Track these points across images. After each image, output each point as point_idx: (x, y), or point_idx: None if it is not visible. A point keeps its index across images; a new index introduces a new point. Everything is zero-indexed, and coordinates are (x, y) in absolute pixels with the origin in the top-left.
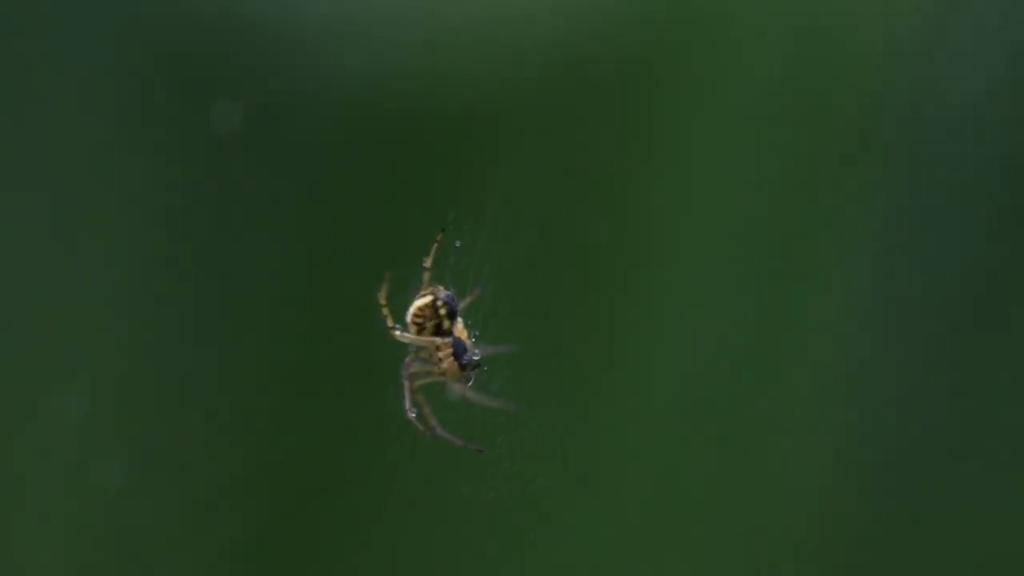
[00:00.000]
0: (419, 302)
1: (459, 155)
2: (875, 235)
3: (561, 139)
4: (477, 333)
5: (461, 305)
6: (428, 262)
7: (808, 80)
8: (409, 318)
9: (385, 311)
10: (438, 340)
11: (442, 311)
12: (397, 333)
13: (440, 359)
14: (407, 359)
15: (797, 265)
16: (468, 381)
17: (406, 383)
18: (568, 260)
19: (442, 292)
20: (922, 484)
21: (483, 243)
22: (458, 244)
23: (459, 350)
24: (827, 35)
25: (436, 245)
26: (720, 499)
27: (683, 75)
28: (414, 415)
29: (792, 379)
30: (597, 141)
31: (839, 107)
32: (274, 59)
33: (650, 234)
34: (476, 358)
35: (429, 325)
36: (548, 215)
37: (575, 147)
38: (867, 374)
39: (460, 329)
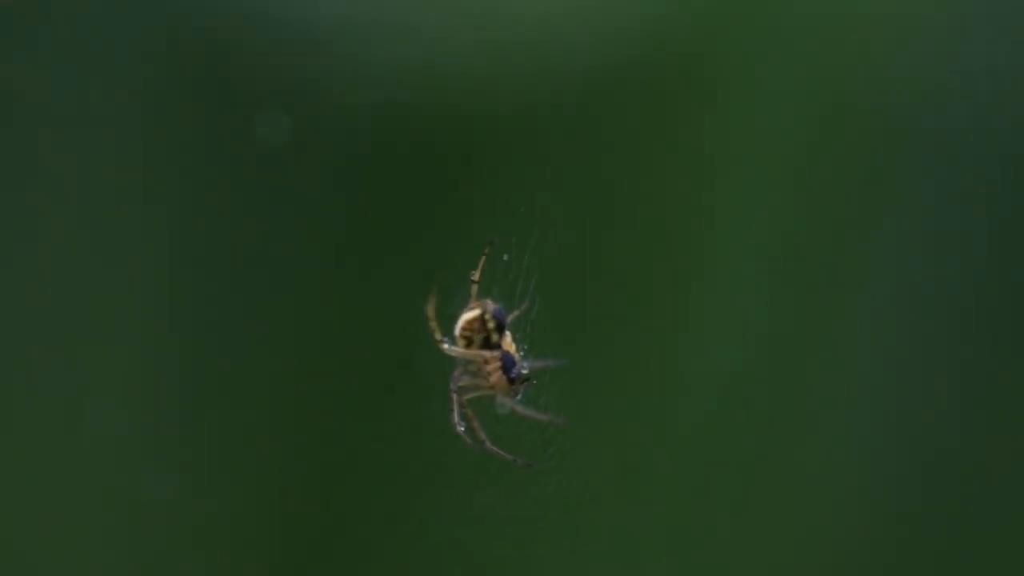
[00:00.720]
0: (467, 315)
1: (499, 163)
2: (907, 242)
3: (596, 147)
4: (525, 347)
5: (509, 318)
6: (476, 275)
7: (836, 86)
8: (457, 331)
9: (433, 324)
10: (486, 354)
11: (490, 325)
12: (445, 346)
13: (488, 373)
14: (455, 372)
15: (830, 272)
16: (516, 395)
17: (454, 397)
18: (604, 269)
19: (491, 305)
20: (958, 492)
21: (529, 256)
22: (505, 258)
23: (508, 364)
24: (854, 39)
25: (483, 258)
26: (757, 506)
27: (714, 83)
28: (463, 429)
29: (826, 387)
30: (631, 149)
31: (868, 113)
32: (316, 67)
33: (684, 242)
34: (525, 372)
35: (477, 339)
36: (584, 225)
37: (611, 155)
38: (902, 382)
39: (508, 343)
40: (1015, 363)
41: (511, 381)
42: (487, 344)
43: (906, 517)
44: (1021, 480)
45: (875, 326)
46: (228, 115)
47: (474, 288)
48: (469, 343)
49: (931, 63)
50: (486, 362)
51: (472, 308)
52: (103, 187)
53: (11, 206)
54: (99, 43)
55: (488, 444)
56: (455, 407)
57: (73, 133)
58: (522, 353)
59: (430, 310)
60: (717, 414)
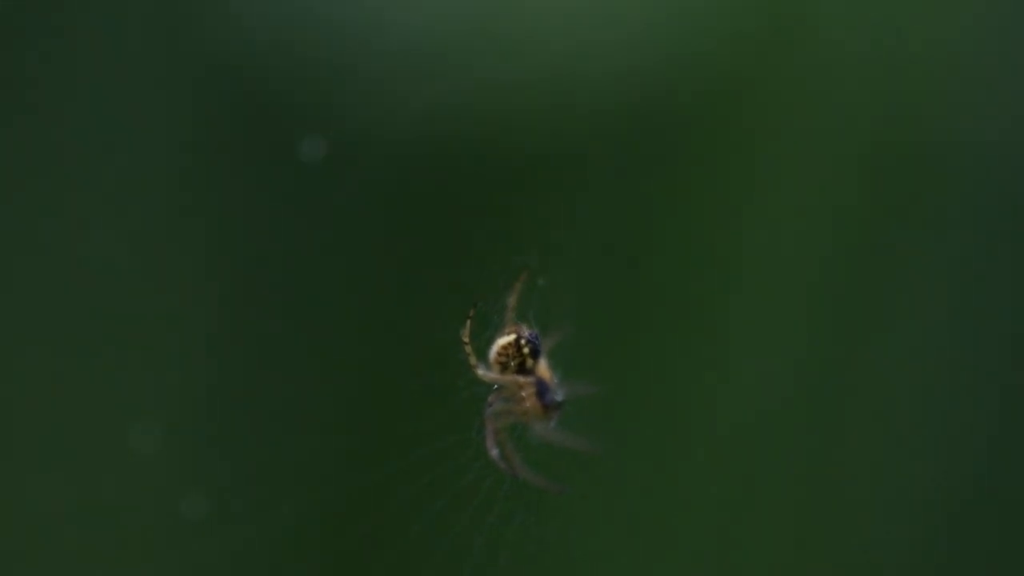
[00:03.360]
0: (503, 341)
1: (537, 191)
2: (946, 270)
3: (633, 177)
4: (560, 373)
5: (545, 345)
6: (512, 301)
7: (877, 115)
8: (492, 357)
9: (468, 349)
10: (521, 379)
11: (525, 350)
12: (480, 371)
13: (523, 398)
14: (490, 398)
15: (866, 303)
16: (551, 421)
17: (488, 422)
18: (640, 298)
19: (526, 331)
20: (994, 513)
21: (564, 282)
22: (542, 283)
23: (542, 390)
24: (896, 69)
25: (519, 284)
26: (794, 528)
27: (753, 112)
28: (496, 454)
29: (862, 415)
30: (668, 181)
31: (907, 143)
32: (357, 94)
33: (722, 268)
34: (559, 399)
35: (512, 364)
36: (620, 251)
37: (647, 186)
38: (938, 407)
39: (543, 368)
40: None
41: (546, 407)
42: (522, 370)
43: (938, 531)
44: None
45: (914, 353)
46: (270, 138)
47: (509, 314)
48: (504, 368)
49: (971, 102)
50: (520, 387)
51: (507, 333)
52: (147, 208)
53: (55, 225)
54: (148, 70)
55: (522, 470)
56: (489, 432)
57: (122, 157)
58: (557, 379)
59: (465, 335)
60: (752, 440)
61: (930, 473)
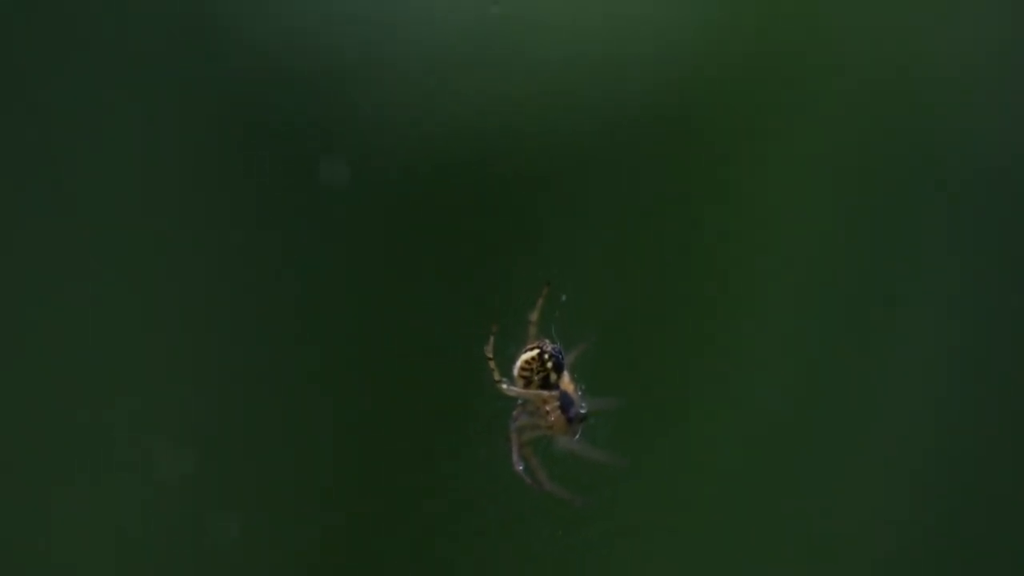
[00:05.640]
0: (526, 355)
1: (558, 205)
2: (951, 274)
3: (647, 186)
4: (584, 387)
5: (568, 359)
6: (534, 315)
7: (879, 121)
8: (516, 371)
9: (492, 364)
10: (545, 393)
11: (549, 364)
12: (504, 387)
13: (547, 412)
14: (514, 412)
15: (874, 303)
16: (575, 434)
17: (513, 437)
18: (657, 308)
19: (549, 345)
20: (1008, 526)
21: (583, 296)
22: (564, 298)
23: (566, 403)
24: (898, 74)
25: (541, 299)
26: (807, 536)
27: (755, 116)
28: (521, 468)
29: (872, 419)
30: (676, 183)
31: (913, 145)
32: (368, 109)
33: (728, 275)
34: (583, 412)
35: (536, 378)
36: (639, 261)
37: (656, 192)
38: (947, 410)
39: (567, 382)
40: None
41: (570, 421)
42: (546, 384)
43: (950, 553)
44: None
45: (921, 358)
46: (277, 153)
47: (532, 328)
48: (528, 383)
49: (979, 100)
50: (544, 402)
51: (530, 348)
52: (159, 226)
53: (68, 240)
54: (159, 85)
55: (547, 483)
56: (514, 447)
57: (131, 173)
58: (580, 393)
59: (489, 351)
60: (768, 448)
61: (938, 475)
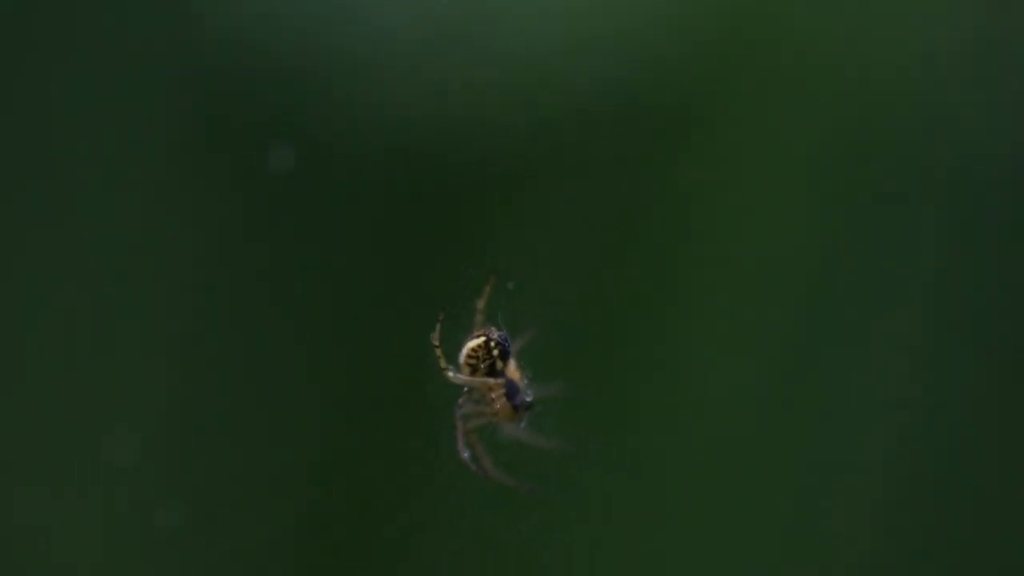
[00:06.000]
0: (472, 343)
1: (504, 197)
2: (924, 273)
3: (603, 181)
4: (530, 374)
5: (514, 347)
6: (480, 304)
7: (855, 124)
8: (462, 359)
9: (438, 352)
10: (491, 381)
11: (495, 352)
12: (450, 374)
13: (493, 400)
14: (460, 400)
15: (846, 300)
16: (521, 422)
17: (459, 424)
18: (612, 299)
19: (495, 333)
20: (978, 508)
21: (535, 285)
22: (511, 286)
23: (512, 391)
24: (876, 75)
25: (488, 287)
26: (774, 523)
27: (728, 119)
28: (467, 455)
29: (846, 415)
30: (641, 181)
31: (887, 144)
32: (330, 103)
33: (694, 274)
34: (529, 399)
35: (482, 366)
36: (591, 254)
37: (617, 189)
38: (920, 408)
39: (513, 370)
40: None
41: (516, 408)
42: (492, 371)
43: (922, 527)
44: None
45: (888, 359)
46: (244, 149)
47: (479, 316)
48: (474, 370)
49: (954, 100)
50: (490, 389)
51: (477, 335)
52: (123, 217)
53: (42, 240)
54: (131, 85)
55: (492, 471)
56: (460, 434)
57: (98, 167)
58: (527, 381)
59: (435, 338)
60: (725, 441)
61: (908, 471)
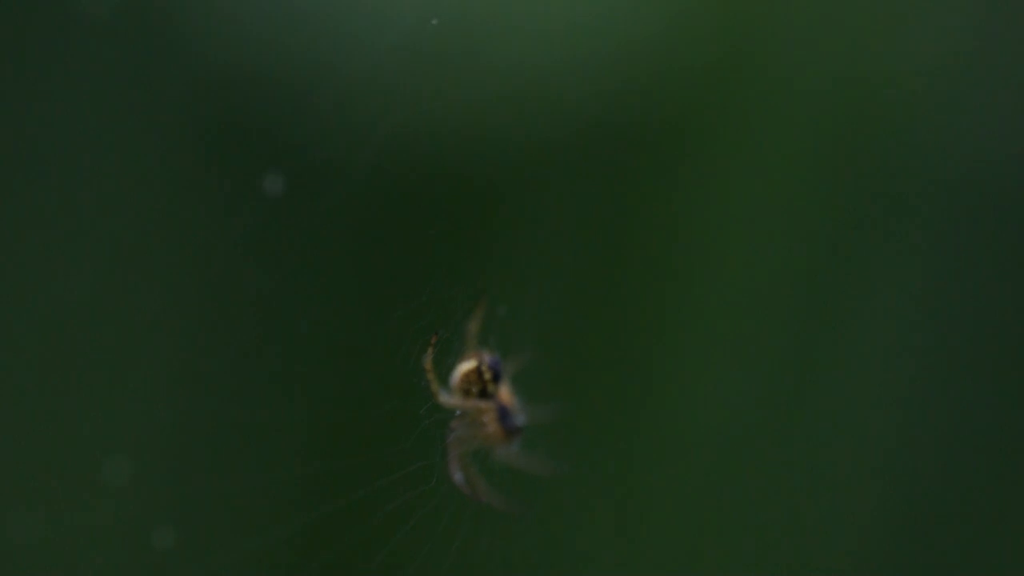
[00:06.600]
0: (464, 367)
1: (495, 216)
2: (913, 275)
3: (596, 198)
4: (522, 398)
5: (506, 370)
6: (472, 327)
7: (842, 140)
8: (454, 383)
9: (430, 376)
10: (482, 404)
11: (487, 375)
12: (442, 398)
13: (485, 423)
14: (452, 423)
15: (838, 303)
16: (513, 445)
17: (451, 448)
18: (606, 317)
19: (487, 357)
20: (972, 523)
21: (527, 308)
22: (503, 310)
23: (504, 414)
24: (863, 94)
25: (479, 311)
26: (765, 534)
27: (717, 136)
28: (459, 478)
29: (831, 430)
30: (634, 198)
31: (873, 166)
32: (319, 122)
33: (689, 293)
34: (520, 423)
35: (474, 390)
36: (582, 273)
37: (606, 207)
38: (911, 407)
39: (505, 393)
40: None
41: (507, 431)
42: (484, 395)
43: (921, 527)
44: None
45: (881, 359)
46: (234, 168)
47: (471, 340)
48: (466, 394)
49: (940, 105)
50: (483, 412)
51: (469, 359)
52: (113, 237)
53: (38, 252)
54: (126, 104)
55: (485, 493)
56: (452, 458)
57: (93, 195)
58: (518, 403)
59: (427, 363)
60: (716, 457)
61: (907, 471)
